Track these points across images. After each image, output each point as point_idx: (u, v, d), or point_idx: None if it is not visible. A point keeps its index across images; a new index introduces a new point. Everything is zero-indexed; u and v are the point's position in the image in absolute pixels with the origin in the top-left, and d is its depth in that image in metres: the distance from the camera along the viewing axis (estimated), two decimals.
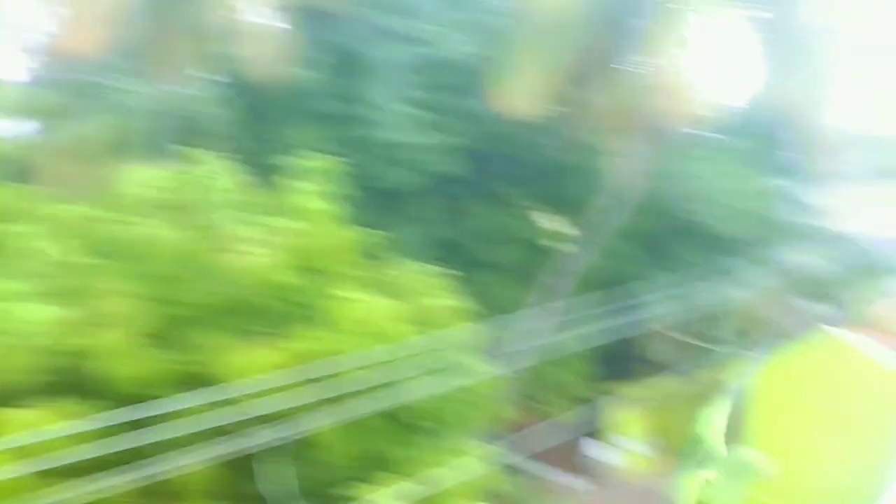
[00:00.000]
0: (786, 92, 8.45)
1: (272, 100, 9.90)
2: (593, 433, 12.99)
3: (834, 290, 12.04)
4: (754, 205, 11.55)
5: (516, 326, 8.81)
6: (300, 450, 5.75)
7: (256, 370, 5.66)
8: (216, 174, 6.96)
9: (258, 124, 10.14)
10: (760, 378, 11.46)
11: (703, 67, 9.25)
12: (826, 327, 11.16)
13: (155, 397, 5.25)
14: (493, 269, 10.66)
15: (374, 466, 6.07)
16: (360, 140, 9.12)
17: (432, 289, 6.88)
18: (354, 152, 9.38)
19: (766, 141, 12.10)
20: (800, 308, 12.66)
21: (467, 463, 6.22)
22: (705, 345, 10.12)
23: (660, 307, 10.28)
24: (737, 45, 9.71)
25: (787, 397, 10.93)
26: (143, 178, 7.34)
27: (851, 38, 10.83)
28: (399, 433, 6.28)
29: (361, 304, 6.30)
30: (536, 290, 10.83)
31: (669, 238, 11.86)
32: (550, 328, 9.19)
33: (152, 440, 4.92)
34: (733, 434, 11.96)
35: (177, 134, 9.04)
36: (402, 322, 6.37)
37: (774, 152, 12.49)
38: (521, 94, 8.39)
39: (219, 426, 5.18)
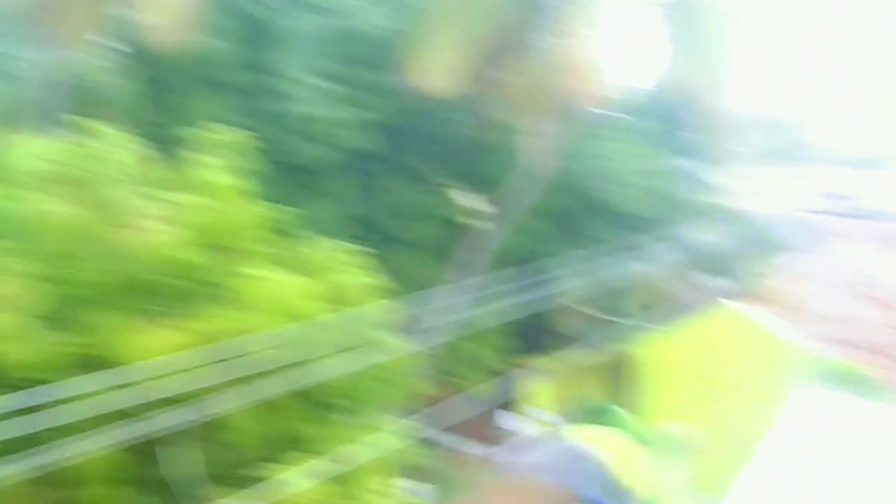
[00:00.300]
0: (687, 74, 8.79)
1: (176, 69, 9.43)
2: (507, 405, 13.33)
3: (731, 265, 12.73)
4: (658, 183, 12.04)
5: (431, 303, 8.86)
6: (208, 432, 5.60)
7: (159, 351, 5.44)
8: (114, 147, 6.56)
9: (161, 95, 9.65)
10: (660, 348, 12.08)
11: (611, 49, 9.51)
12: (723, 300, 11.86)
13: (50, 382, 4.98)
14: (408, 246, 10.65)
15: (285, 446, 5.99)
16: (270, 113, 8.83)
17: (346, 266, 6.79)
18: (264, 125, 9.09)
19: (669, 122, 12.60)
20: (699, 282, 13.36)
21: (382, 439, 6.24)
22: (612, 318, 10.53)
23: (569, 282, 10.60)
24: (643, 27, 10.02)
25: (684, 365, 11.58)
26: (34, 149, 6.84)
27: (752, 24, 11.37)
28: (311, 412, 6.22)
29: (271, 281, 6.15)
30: (451, 267, 10.93)
31: (578, 215, 12.20)
32: (465, 304, 9.30)
33: (49, 426, 4.69)
34: (633, 402, 12.60)
35: (72, 104, 8.48)
36: (313, 300, 6.27)
37: (677, 133, 13.03)
38: (435, 69, 8.36)
39: (120, 410, 4.98)
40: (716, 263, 12.79)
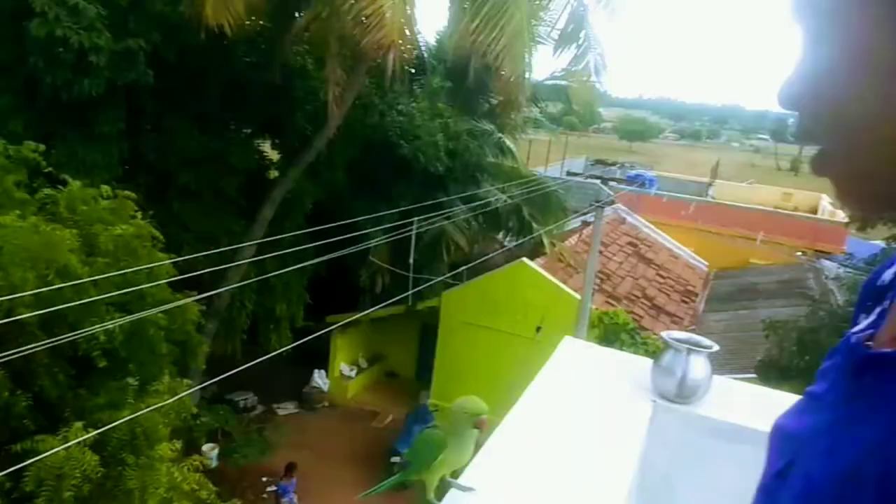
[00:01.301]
0: (483, 38, 9.03)
1: None
2: (311, 362, 13.18)
3: (525, 224, 13.51)
4: (458, 144, 12.38)
5: (225, 257, 8.35)
6: None
7: None
8: None
9: None
10: (458, 302, 12.62)
11: (416, 6, 9.49)
12: (518, 258, 12.61)
13: None
14: (194, 195, 9.92)
15: (51, 414, 5.36)
16: (20, 38, 7.63)
17: (120, 214, 6.14)
18: (14, 51, 7.87)
19: (468, 83, 12.95)
20: (496, 240, 14.11)
21: (172, 402, 5.78)
22: (415, 275, 10.72)
23: (372, 238, 10.59)
24: None
25: (481, 319, 12.22)
26: None
27: None
28: (82, 375, 5.61)
29: (26, 230, 5.38)
30: (245, 219, 10.41)
31: (381, 171, 12.21)
32: (263, 259, 8.90)
33: None
34: (432, 355, 13.09)
35: None
36: (79, 251, 5.59)
37: (475, 95, 13.48)
38: (227, 3, 7.72)
39: None
40: (511, 222, 13.51)
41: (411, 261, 10.72)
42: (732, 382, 1.76)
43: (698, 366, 1.59)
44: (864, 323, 0.65)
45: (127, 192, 6.39)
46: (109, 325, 5.13)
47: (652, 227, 18.28)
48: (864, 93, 0.48)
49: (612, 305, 12.40)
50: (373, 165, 12.15)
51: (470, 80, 12.73)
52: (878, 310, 0.65)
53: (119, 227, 5.91)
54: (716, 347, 1.62)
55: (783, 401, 1.73)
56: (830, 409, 0.58)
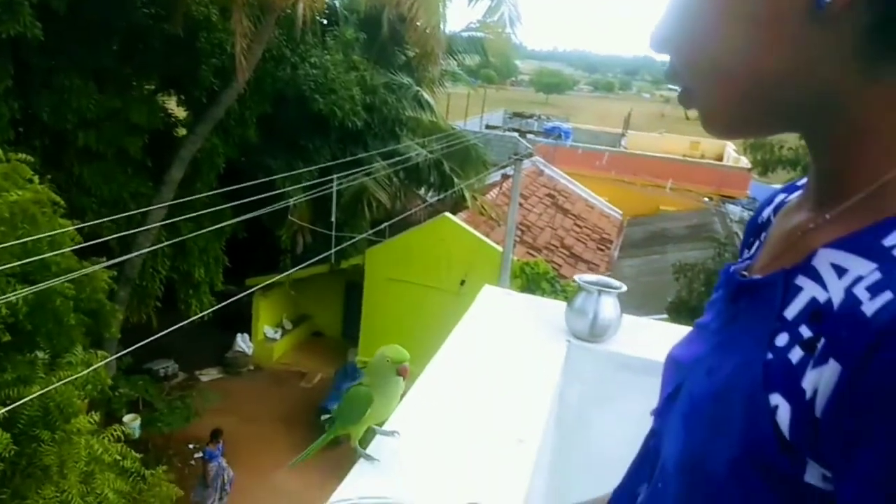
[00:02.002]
0: None
1: None
2: (234, 326, 12.93)
3: (446, 179, 13.53)
4: (375, 98, 12.16)
5: (133, 221, 7.99)
6: None
7: None
8: None
9: None
10: (382, 258, 12.62)
11: None
12: (440, 212, 12.66)
13: None
14: (96, 157, 9.38)
15: None
16: None
17: (12, 179, 5.74)
18: None
19: (380, 35, 12.70)
20: (418, 195, 14.09)
21: (86, 373, 5.55)
22: (337, 233, 10.60)
23: (292, 197, 10.38)
24: None
25: (405, 273, 12.27)
26: None
27: None
28: None
29: None
30: (153, 181, 9.97)
31: (296, 127, 11.87)
32: (175, 221, 8.58)
33: None
34: (358, 313, 13.09)
35: None
36: None
37: (391, 47, 13.23)
38: None
39: None
40: (433, 178, 13.50)
41: (333, 219, 10.58)
42: (640, 320, 1.86)
43: (608, 306, 1.66)
44: (744, 256, 0.71)
45: (21, 156, 5.96)
46: (11, 297, 4.84)
47: (568, 178, 18.70)
48: (721, 37, 0.53)
49: (533, 256, 12.69)
50: (287, 121, 11.79)
51: (384, 31, 12.48)
52: (756, 244, 0.71)
53: (14, 193, 5.52)
54: (624, 288, 1.70)
55: (685, 334, 1.84)
56: (713, 335, 0.64)
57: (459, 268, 11.76)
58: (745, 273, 0.64)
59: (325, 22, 11.58)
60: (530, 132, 13.73)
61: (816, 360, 0.47)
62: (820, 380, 0.46)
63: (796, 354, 0.49)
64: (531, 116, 13.82)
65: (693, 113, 0.61)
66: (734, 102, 0.55)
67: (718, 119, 0.58)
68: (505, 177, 12.63)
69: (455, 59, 15.01)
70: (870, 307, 0.44)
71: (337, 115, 11.52)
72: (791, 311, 0.52)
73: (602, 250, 15.72)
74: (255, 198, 8.71)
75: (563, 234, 15.43)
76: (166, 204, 9.61)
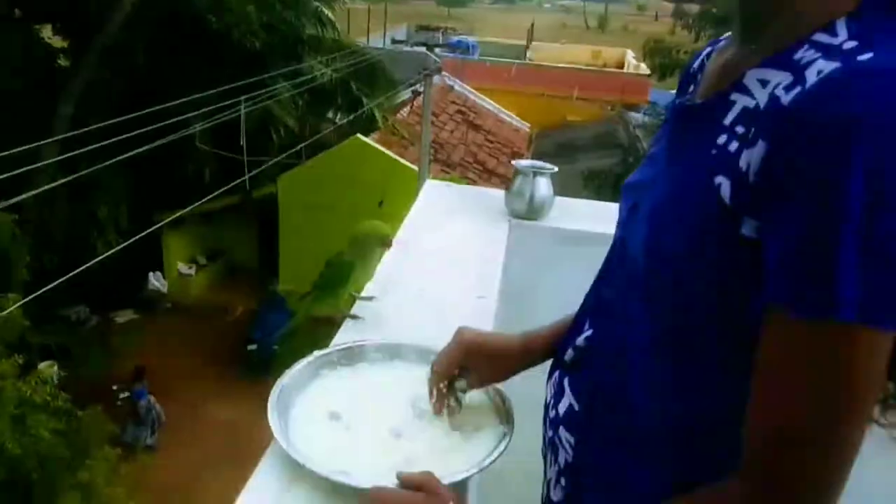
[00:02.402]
0: None
1: None
2: (145, 265, 12.52)
3: (355, 99, 13.24)
4: (273, 17, 11.59)
5: (25, 159, 7.44)
6: None
7: None
8: None
9: None
10: (296, 184, 12.40)
11: None
12: (353, 134, 12.45)
13: None
14: None
15: None
16: None
17: None
18: None
19: None
20: (327, 118, 13.76)
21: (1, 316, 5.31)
22: (250, 158, 10.25)
23: (195, 124, 9.92)
24: None
25: (321, 197, 12.13)
26: None
27: None
28: None
29: None
30: (41, 118, 9.27)
31: (192, 52, 11.21)
32: (70, 156, 8.06)
33: None
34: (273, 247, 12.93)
35: None
36: None
37: None
38: None
39: None
40: (340, 99, 13.18)
41: (243, 143, 10.22)
42: (571, 200, 2.01)
43: (543, 186, 1.81)
44: (684, 96, 0.85)
45: None
46: None
47: (477, 93, 18.69)
48: None
49: (448, 173, 12.80)
50: (182, 46, 11.09)
51: None
52: (692, 87, 0.86)
53: None
54: (556, 169, 1.84)
55: (611, 209, 2.01)
56: (664, 156, 0.79)
57: (376, 189, 11.71)
58: (688, 102, 0.79)
59: None
60: (438, 46, 13.53)
61: (749, 144, 0.64)
62: (752, 156, 0.63)
63: (734, 145, 0.66)
64: (437, 30, 13.58)
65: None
66: None
67: None
68: (415, 94, 12.50)
69: None
70: (786, 99, 0.60)
71: (234, 35, 10.93)
72: (728, 119, 0.69)
73: None
74: (152, 127, 8.28)
75: (475, 149, 15.57)
76: (58, 138, 8.99)
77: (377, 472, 0.82)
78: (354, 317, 1.27)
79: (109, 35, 9.35)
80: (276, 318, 11.83)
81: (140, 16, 10.03)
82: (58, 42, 11.12)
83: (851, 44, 0.60)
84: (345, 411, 0.95)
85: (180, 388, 10.26)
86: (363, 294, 1.32)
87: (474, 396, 0.99)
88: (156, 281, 12.93)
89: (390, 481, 0.79)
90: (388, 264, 1.35)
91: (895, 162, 0.54)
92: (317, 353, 1.07)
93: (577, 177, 13.07)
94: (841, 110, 0.55)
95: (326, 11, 13.04)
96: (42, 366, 9.15)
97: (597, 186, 13.15)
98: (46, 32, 10.93)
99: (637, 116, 19.14)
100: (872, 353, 0.59)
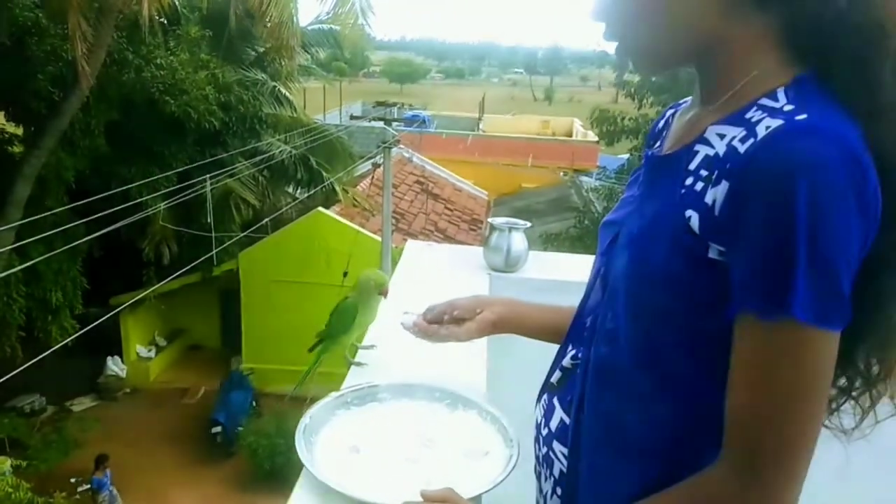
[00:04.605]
0: None
1: None
2: (102, 349, 12.16)
3: (314, 174, 13.44)
4: (229, 96, 11.82)
5: None
6: None
7: None
8: None
9: None
10: (257, 259, 12.37)
11: None
12: (314, 208, 12.58)
13: None
14: None
15: None
16: None
17: None
18: None
19: (227, 30, 12.36)
20: (286, 193, 13.89)
21: None
22: (207, 234, 10.24)
23: (152, 205, 9.92)
24: None
25: (282, 271, 12.10)
26: None
27: None
28: None
29: None
30: None
31: (149, 132, 11.30)
32: (25, 243, 7.97)
33: None
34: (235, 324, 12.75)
35: None
36: None
37: (239, 43, 12.90)
38: None
39: None
40: (300, 174, 13.35)
41: (210, 219, 10.24)
42: (543, 254, 2.16)
43: (518, 240, 1.94)
44: (653, 150, 1.00)
45: None
46: None
47: (434, 164, 19.17)
48: (643, 9, 0.84)
49: (413, 239, 12.96)
50: (139, 127, 11.19)
51: (232, 26, 12.14)
52: (658, 143, 1.01)
53: None
54: (529, 224, 1.98)
55: (580, 261, 2.15)
56: (639, 198, 0.93)
57: (339, 260, 11.70)
58: (659, 153, 0.93)
59: (165, 21, 11.06)
60: (395, 120, 13.93)
61: (713, 184, 0.79)
62: (716, 194, 0.78)
63: (700, 185, 0.82)
64: (393, 105, 14.02)
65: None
66: (655, 49, 0.88)
67: (649, 61, 0.91)
68: (375, 166, 12.76)
69: (308, 53, 14.87)
70: (742, 148, 0.77)
71: (192, 116, 11.10)
72: (693, 164, 0.85)
73: (474, 230, 16.32)
74: (109, 211, 8.27)
75: (435, 218, 15.85)
76: (12, 225, 8.88)
77: (402, 495, 0.89)
78: (359, 364, 1.37)
79: (65, 119, 9.40)
80: (240, 396, 11.57)
81: (97, 100, 10.14)
82: (11, 127, 11.12)
83: (790, 107, 0.76)
84: (363, 445, 1.04)
85: (143, 477, 9.85)
86: (364, 344, 1.41)
87: (480, 424, 1.09)
88: (114, 366, 12.55)
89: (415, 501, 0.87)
90: (382, 316, 1.44)
91: (827, 195, 0.69)
92: (333, 394, 1.16)
93: (537, 239, 13.39)
94: (786, 157, 0.71)
95: (283, 90, 13.37)
96: None
97: (555, 247, 13.48)
98: None
99: (589, 180, 19.84)
100: (823, 349, 0.73)
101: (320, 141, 13.35)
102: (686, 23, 0.83)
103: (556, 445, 0.98)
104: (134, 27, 9.56)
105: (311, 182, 13.35)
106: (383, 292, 1.31)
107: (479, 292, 1.76)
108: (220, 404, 11.29)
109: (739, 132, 0.78)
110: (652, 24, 0.85)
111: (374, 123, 15.18)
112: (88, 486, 8.96)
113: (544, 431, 1.01)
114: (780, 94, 0.79)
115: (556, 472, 0.98)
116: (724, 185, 0.76)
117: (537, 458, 1.04)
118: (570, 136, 29.37)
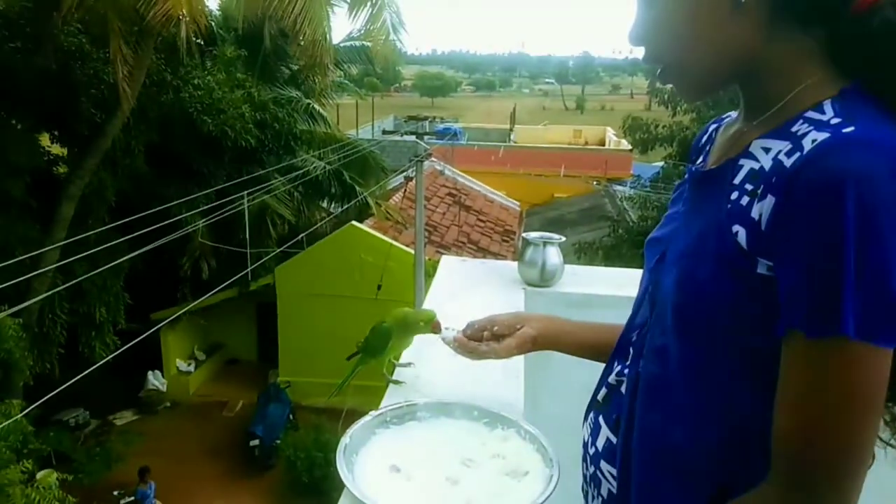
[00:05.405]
0: (276, 3, 8.90)
1: None
2: (144, 364, 12.41)
3: (347, 188, 13.56)
4: (265, 114, 12.04)
5: (25, 266, 7.56)
6: None
7: None
8: None
9: None
10: (294, 274, 12.51)
11: None
12: (349, 222, 12.70)
13: None
14: None
15: None
16: None
17: None
18: None
19: (262, 50, 12.61)
20: (322, 207, 14.06)
21: (8, 424, 5.27)
22: (244, 250, 10.42)
23: (190, 224, 10.13)
24: None
25: (311, 285, 12.22)
26: None
27: None
28: None
29: None
30: (40, 223, 9.46)
31: (188, 152, 11.56)
32: (70, 261, 8.19)
33: None
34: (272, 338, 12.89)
35: None
36: None
37: (274, 62, 13.15)
38: None
39: None
40: (334, 189, 13.51)
41: (247, 235, 10.44)
42: (578, 267, 2.14)
43: (553, 254, 1.94)
44: (696, 165, 1.00)
45: None
46: None
47: (466, 176, 19.22)
48: (681, 33, 0.85)
49: (442, 253, 12.97)
50: (177, 146, 11.47)
51: (266, 46, 12.39)
52: (701, 158, 1.00)
53: None
54: (563, 238, 1.97)
55: (616, 275, 2.13)
56: (684, 213, 0.92)
57: (373, 274, 11.81)
58: (703, 169, 0.94)
59: (202, 43, 11.35)
60: (426, 133, 14.02)
61: (759, 198, 0.78)
62: (763, 208, 0.77)
63: (745, 200, 0.80)
64: (425, 119, 14.10)
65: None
66: (698, 75, 0.87)
67: (692, 87, 0.91)
68: (407, 180, 12.84)
69: (341, 70, 15.08)
70: (788, 162, 0.75)
71: (229, 134, 11.34)
72: (738, 179, 0.83)
73: (506, 241, 16.28)
74: (150, 228, 8.47)
75: (468, 230, 15.86)
76: (58, 245, 9.15)
77: None
78: (397, 382, 1.38)
79: (107, 140, 9.68)
80: (277, 409, 11.69)
81: (137, 121, 10.42)
82: (56, 149, 11.49)
83: (837, 119, 0.75)
84: (403, 464, 1.04)
85: (184, 490, 9.99)
86: (401, 361, 1.42)
87: (520, 443, 1.08)
88: (155, 380, 12.80)
89: None
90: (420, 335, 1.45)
91: (876, 207, 0.67)
92: (372, 413, 1.17)
93: (570, 249, 13.27)
94: (834, 169, 0.69)
95: (317, 107, 13.57)
96: (41, 474, 8.93)
97: (589, 258, 13.36)
98: (45, 140, 11.32)
99: (623, 189, 19.65)
100: (874, 366, 0.71)
101: (353, 156, 13.49)
102: (729, 49, 0.83)
103: (604, 465, 0.97)
104: (172, 49, 9.80)
105: (344, 196, 13.51)
106: (435, 328, 1.30)
107: (515, 307, 1.76)
108: (257, 417, 11.42)
109: (785, 146, 0.77)
110: (695, 52, 0.84)
111: (406, 137, 15.28)
112: (132, 497, 9.12)
113: (591, 450, 1.00)
114: (827, 107, 0.77)
115: (604, 492, 0.97)
116: (770, 200, 0.75)
117: (584, 477, 1.03)
118: (603, 144, 29.18)
